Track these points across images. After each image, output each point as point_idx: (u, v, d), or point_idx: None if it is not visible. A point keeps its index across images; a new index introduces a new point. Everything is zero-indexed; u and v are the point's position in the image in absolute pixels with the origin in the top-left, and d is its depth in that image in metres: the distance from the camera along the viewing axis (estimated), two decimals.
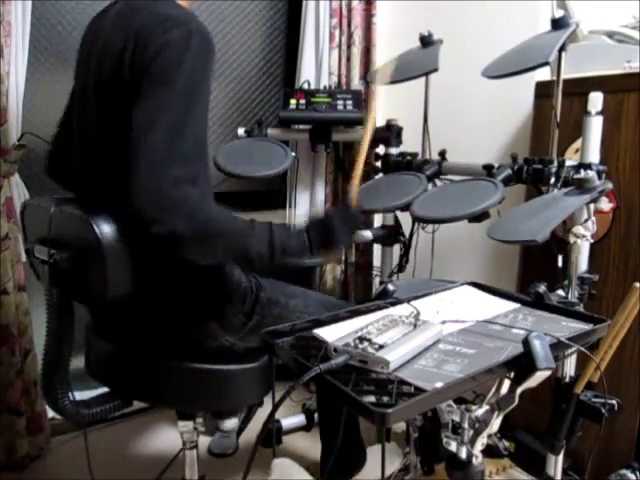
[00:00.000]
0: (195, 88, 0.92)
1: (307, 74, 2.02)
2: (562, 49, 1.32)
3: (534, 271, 1.72)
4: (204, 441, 1.31)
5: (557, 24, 1.35)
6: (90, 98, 1.02)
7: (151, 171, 0.87)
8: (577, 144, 1.47)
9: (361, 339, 0.82)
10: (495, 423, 0.83)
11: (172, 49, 0.90)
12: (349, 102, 1.85)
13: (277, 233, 0.99)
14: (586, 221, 1.28)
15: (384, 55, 1.99)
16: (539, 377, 0.77)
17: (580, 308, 1.28)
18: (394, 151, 1.86)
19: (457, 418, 0.85)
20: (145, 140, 0.88)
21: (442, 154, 1.63)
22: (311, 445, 1.74)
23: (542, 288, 1.04)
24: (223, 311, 1.07)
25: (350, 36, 2.04)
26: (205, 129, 0.97)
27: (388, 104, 2.15)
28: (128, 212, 0.88)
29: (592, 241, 1.33)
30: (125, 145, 0.92)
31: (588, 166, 1.29)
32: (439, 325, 0.91)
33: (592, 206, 1.28)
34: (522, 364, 0.77)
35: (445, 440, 0.88)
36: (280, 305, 1.15)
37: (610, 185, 1.26)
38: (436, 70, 1.60)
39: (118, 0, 1.05)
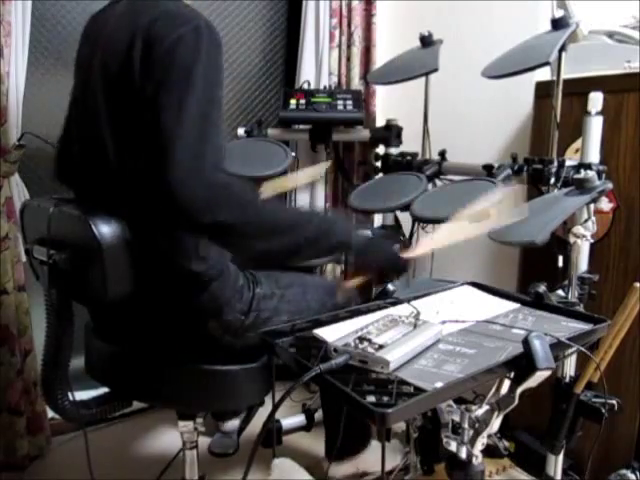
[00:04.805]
0: (212, 77, 0.94)
1: (307, 74, 2.02)
2: (562, 49, 1.32)
3: (534, 271, 1.71)
4: (204, 441, 1.31)
5: (557, 24, 1.35)
6: (96, 99, 1.00)
7: (189, 162, 0.87)
8: (577, 144, 1.47)
9: (361, 339, 0.82)
10: (495, 423, 0.83)
11: (185, 43, 0.92)
12: (349, 102, 1.85)
13: (323, 218, 1.08)
14: (586, 221, 1.28)
15: (384, 55, 1.99)
16: (539, 377, 0.77)
17: (580, 308, 1.28)
18: (394, 151, 1.86)
19: (457, 418, 0.85)
20: (177, 132, 0.88)
21: (442, 154, 1.63)
22: (311, 445, 1.74)
23: (542, 288, 1.04)
24: (221, 310, 1.07)
25: (350, 36, 2.04)
26: (222, 118, 0.99)
27: (388, 104, 2.16)
28: (166, 206, 0.88)
29: (592, 241, 1.33)
30: (136, 144, 0.93)
31: (588, 166, 1.29)
32: (439, 325, 0.91)
33: (592, 206, 1.28)
34: (522, 364, 0.77)
35: (445, 440, 0.88)
36: (277, 297, 1.15)
37: (610, 185, 1.26)
38: (436, 70, 1.60)
39: (119, 0, 1.05)
